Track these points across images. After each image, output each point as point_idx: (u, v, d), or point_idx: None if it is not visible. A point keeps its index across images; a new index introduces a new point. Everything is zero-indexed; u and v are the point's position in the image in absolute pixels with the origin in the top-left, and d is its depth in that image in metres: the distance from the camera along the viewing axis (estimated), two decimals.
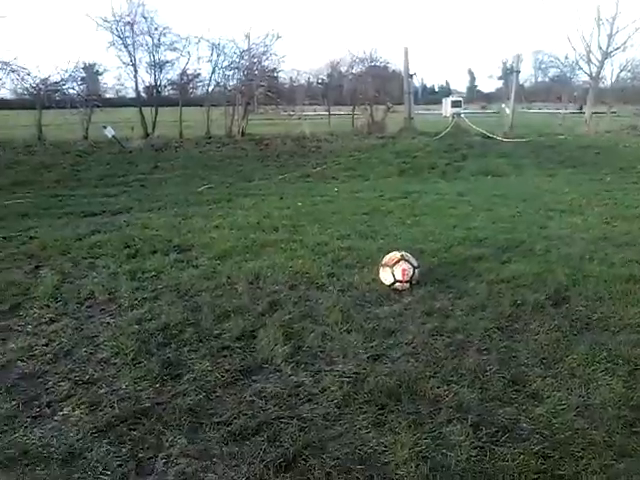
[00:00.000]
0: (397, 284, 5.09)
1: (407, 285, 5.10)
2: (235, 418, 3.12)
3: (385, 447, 2.86)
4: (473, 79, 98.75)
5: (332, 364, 3.76)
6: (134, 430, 3.01)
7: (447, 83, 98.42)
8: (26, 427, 3.06)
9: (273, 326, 4.26)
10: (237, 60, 23.06)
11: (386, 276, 5.13)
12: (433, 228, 7.46)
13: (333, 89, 29.79)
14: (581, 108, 34.42)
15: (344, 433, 2.99)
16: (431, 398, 3.30)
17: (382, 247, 6.27)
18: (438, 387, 3.42)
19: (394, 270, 5.08)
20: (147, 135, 20.83)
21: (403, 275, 5.08)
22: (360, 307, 4.72)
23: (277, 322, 4.36)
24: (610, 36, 28.13)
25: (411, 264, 5.15)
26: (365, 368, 3.66)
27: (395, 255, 5.22)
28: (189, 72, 24.36)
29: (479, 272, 5.54)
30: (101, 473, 2.67)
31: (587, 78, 30.37)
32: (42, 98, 21.04)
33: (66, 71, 21.89)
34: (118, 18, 21.42)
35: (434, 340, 4.08)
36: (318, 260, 5.96)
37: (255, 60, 23.56)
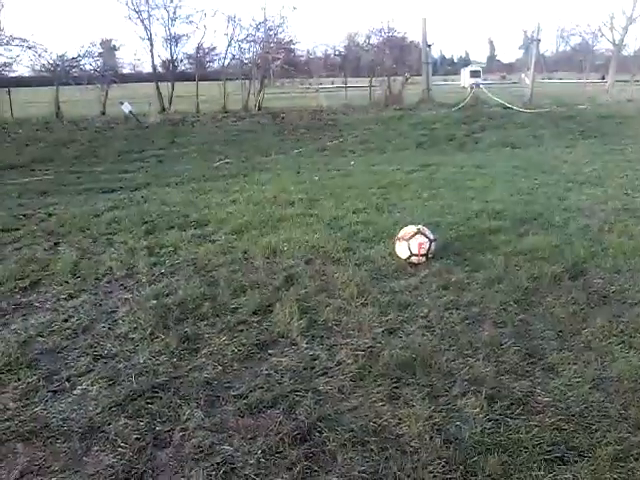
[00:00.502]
0: (413, 257, 5.07)
1: (423, 258, 5.08)
2: (251, 391, 3.16)
3: (400, 420, 2.87)
4: (493, 49, 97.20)
5: (347, 337, 3.77)
6: (152, 404, 3.06)
7: (466, 53, 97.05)
8: (47, 401, 3.12)
9: (289, 300, 4.27)
10: (253, 33, 22.91)
11: (402, 250, 5.12)
12: (450, 201, 7.41)
13: (350, 61, 29.50)
14: (603, 77, 33.79)
15: (359, 406, 3.01)
16: (446, 371, 3.31)
17: (398, 221, 6.24)
18: (453, 360, 3.42)
19: (410, 244, 5.06)
20: (164, 110, 20.86)
21: (419, 248, 5.05)
22: (376, 281, 4.72)
23: (293, 296, 4.37)
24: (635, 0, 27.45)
25: (427, 237, 5.12)
26: (380, 342, 3.67)
27: (411, 229, 5.19)
28: (205, 46, 24.30)
29: (496, 245, 5.51)
30: (119, 446, 2.72)
31: (610, 46, 29.78)
32: (59, 74, 21.13)
33: (82, 46, 21.99)
34: None
35: (450, 314, 4.07)
36: (334, 234, 5.95)
37: (271, 32, 23.38)
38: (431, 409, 2.93)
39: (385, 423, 2.86)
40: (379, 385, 3.18)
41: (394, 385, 3.18)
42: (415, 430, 2.77)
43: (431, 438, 2.71)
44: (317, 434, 2.79)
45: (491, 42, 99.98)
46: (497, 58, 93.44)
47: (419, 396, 3.06)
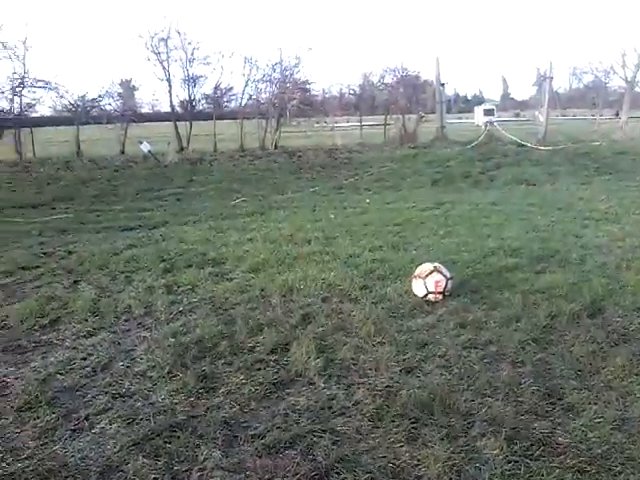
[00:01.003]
0: (430, 295, 5.07)
1: (440, 297, 5.08)
2: (269, 431, 3.15)
3: (418, 461, 2.85)
4: (506, 86, 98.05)
5: (365, 377, 3.76)
6: (169, 443, 3.06)
7: (480, 91, 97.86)
8: (65, 440, 3.14)
9: (306, 339, 4.28)
10: (269, 73, 23.33)
11: (419, 288, 5.12)
12: (466, 238, 7.41)
13: (365, 100, 29.86)
14: (617, 114, 33.88)
15: (377, 447, 2.99)
16: (464, 412, 3.28)
17: (415, 258, 6.24)
18: (472, 400, 3.39)
19: (427, 282, 5.06)
20: (182, 149, 21.17)
21: (436, 287, 5.06)
22: (393, 319, 4.72)
23: (310, 335, 4.38)
24: None
25: (444, 275, 5.13)
26: (398, 381, 3.65)
27: (428, 266, 5.21)
28: (222, 86, 24.74)
29: (513, 283, 5.49)
30: None
31: (622, 83, 29.95)
32: (80, 114, 21.63)
33: (103, 87, 22.58)
34: (153, 34, 21.91)
35: (467, 352, 4.05)
36: (350, 272, 5.97)
37: (287, 72, 23.79)
38: (450, 450, 2.91)
39: (403, 464, 2.84)
40: (397, 425, 3.15)
41: (412, 425, 3.15)
42: (434, 472, 2.75)
43: None
44: (335, 475, 2.77)
45: (504, 80, 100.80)
46: (510, 95, 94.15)
47: (438, 437, 3.03)
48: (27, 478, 2.82)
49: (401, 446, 2.98)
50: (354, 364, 3.95)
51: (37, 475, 2.84)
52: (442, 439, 3.01)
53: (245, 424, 3.25)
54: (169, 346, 4.24)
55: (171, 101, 23.21)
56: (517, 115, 58.07)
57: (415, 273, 5.23)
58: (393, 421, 3.20)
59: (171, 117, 22.87)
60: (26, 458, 2.97)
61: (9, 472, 2.86)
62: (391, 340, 4.29)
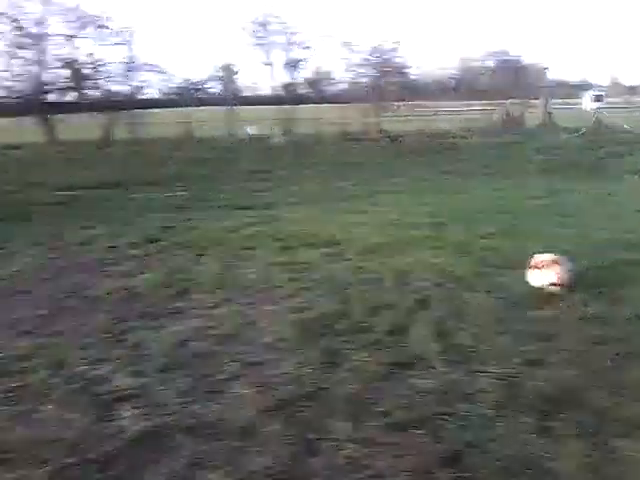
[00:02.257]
0: (549, 287, 4.95)
1: (559, 288, 4.96)
2: (395, 410, 3.21)
3: (549, 454, 2.81)
4: (615, 71, 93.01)
5: (485, 365, 3.73)
6: (301, 412, 3.19)
7: (586, 76, 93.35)
8: (203, 401, 3.34)
9: (422, 322, 4.31)
10: (368, 57, 23.30)
11: (538, 278, 5.01)
12: (582, 229, 7.15)
13: (466, 84, 29.26)
14: None
15: (504, 435, 2.96)
16: (595, 409, 3.17)
17: (529, 248, 6.06)
18: (601, 397, 3.28)
19: (546, 273, 4.94)
20: (286, 132, 21.54)
21: (554, 278, 4.92)
22: (511, 309, 4.66)
23: (426, 319, 4.40)
24: None
25: (563, 267, 4.98)
26: (521, 372, 3.61)
27: (546, 257, 5.08)
28: (322, 70, 24.95)
29: (635, 277, 5.26)
30: (274, 450, 2.86)
31: None
32: (186, 97, 22.50)
33: (207, 71, 23.41)
34: (253, 20, 22.43)
35: (593, 348, 3.94)
36: (462, 258, 5.93)
37: (386, 57, 23.66)
38: (583, 447, 2.82)
39: (534, 456, 2.79)
40: (525, 416, 3.12)
41: (540, 418, 3.10)
42: (570, 467, 2.68)
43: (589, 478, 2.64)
44: (465, 459, 2.79)
45: (612, 64, 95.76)
46: (619, 81, 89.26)
47: (568, 432, 2.95)
48: (170, 432, 3.04)
49: (529, 437, 2.95)
50: (473, 351, 3.93)
51: (180, 430, 3.05)
52: (574, 435, 2.93)
53: (370, 401, 3.32)
54: (292, 321, 4.40)
55: (273, 84, 23.66)
56: (627, 101, 55.01)
57: (533, 263, 5.12)
58: (521, 412, 3.16)
59: (273, 100, 23.29)
60: (168, 414, 3.20)
61: (156, 424, 3.11)
62: (509, 330, 4.24)
